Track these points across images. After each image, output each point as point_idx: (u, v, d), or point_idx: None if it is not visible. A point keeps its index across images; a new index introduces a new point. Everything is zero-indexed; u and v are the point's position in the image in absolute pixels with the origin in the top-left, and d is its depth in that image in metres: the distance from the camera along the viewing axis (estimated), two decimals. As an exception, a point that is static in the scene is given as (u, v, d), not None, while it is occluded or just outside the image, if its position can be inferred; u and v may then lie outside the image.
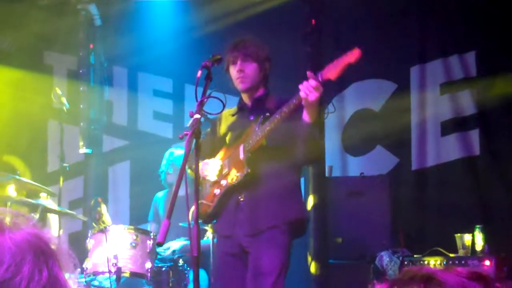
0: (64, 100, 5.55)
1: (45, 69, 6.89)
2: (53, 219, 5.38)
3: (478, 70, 5.71)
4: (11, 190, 4.95)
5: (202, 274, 5.04)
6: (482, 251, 4.81)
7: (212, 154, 3.95)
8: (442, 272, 1.18)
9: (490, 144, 5.64)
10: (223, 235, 3.88)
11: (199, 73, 3.24)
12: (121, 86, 6.81)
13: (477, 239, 4.85)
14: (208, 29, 6.17)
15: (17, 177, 5.05)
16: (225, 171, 3.84)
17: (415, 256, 4.91)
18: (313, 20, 5.78)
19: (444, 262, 4.72)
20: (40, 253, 1.17)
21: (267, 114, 3.69)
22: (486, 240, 4.84)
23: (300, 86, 3.47)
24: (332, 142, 5.83)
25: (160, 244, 2.89)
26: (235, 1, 6.18)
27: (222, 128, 4.00)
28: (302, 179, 4.09)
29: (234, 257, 3.80)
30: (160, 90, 6.72)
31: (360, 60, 5.25)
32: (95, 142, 6.57)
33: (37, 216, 4.57)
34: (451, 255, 4.81)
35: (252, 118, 3.83)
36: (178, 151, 5.56)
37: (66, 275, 1.22)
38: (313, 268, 5.43)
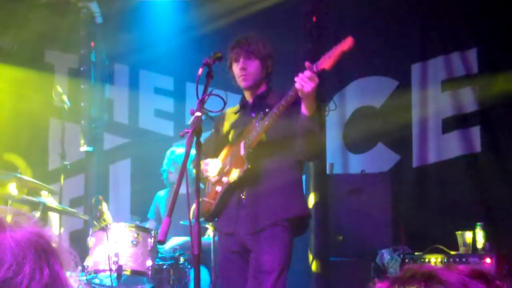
0: (65, 98, 5.55)
1: (46, 67, 6.89)
2: (54, 217, 5.38)
3: (480, 67, 5.71)
4: (12, 188, 4.95)
5: (203, 272, 5.04)
6: (483, 248, 4.82)
7: (216, 152, 3.95)
8: (443, 270, 1.18)
9: (491, 141, 5.64)
10: (225, 233, 3.89)
11: (200, 70, 3.24)
12: (122, 84, 6.81)
13: (478, 236, 4.85)
14: (209, 26, 6.17)
15: (18, 175, 5.05)
16: (226, 168, 3.84)
17: (416, 253, 4.92)
18: (314, 17, 5.78)
19: (445, 260, 4.72)
20: (41, 251, 1.17)
21: (267, 110, 3.69)
22: (487, 237, 4.84)
23: (296, 78, 3.46)
24: (333, 139, 5.83)
25: (161, 242, 2.88)
26: (235, -2, 6.18)
27: (225, 126, 4.00)
28: (303, 176, 4.09)
29: (236, 254, 3.80)
30: (161, 88, 6.72)
31: (361, 57, 5.26)
32: (96, 140, 6.57)
33: (38, 214, 4.56)
34: (452, 252, 4.81)
35: (253, 115, 3.83)
36: (180, 150, 5.56)
37: (68, 273, 1.22)
38: (314, 265, 5.43)
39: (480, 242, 4.84)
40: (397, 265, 4.82)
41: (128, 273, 4.48)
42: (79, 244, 5.08)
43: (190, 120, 3.13)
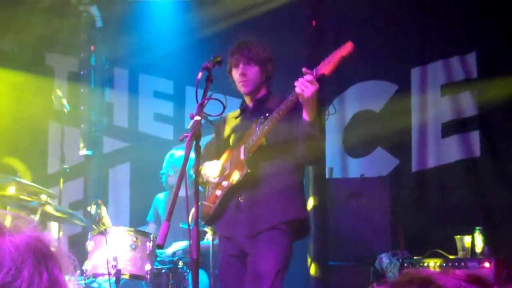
0: (64, 102, 5.56)
1: (46, 71, 6.89)
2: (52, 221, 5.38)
3: (479, 72, 5.72)
4: (11, 192, 4.94)
5: (202, 276, 5.04)
6: (482, 253, 4.82)
7: (217, 157, 3.96)
8: (440, 275, 1.18)
9: (491, 146, 5.64)
10: (223, 236, 3.89)
11: (200, 74, 3.24)
12: (122, 87, 6.81)
13: (477, 241, 4.85)
14: (209, 30, 6.18)
15: (18, 178, 5.05)
16: (226, 172, 3.85)
17: (415, 258, 4.92)
18: (314, 22, 5.78)
19: (444, 264, 4.72)
20: (40, 256, 1.17)
21: (267, 114, 3.70)
22: (486, 242, 4.84)
23: (296, 83, 3.47)
24: (332, 143, 5.83)
25: (160, 247, 2.88)
26: (235, 2, 6.19)
27: (226, 131, 4.01)
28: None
29: (234, 258, 3.80)
30: (160, 92, 6.72)
31: (360, 61, 5.26)
32: (95, 144, 6.57)
33: (37, 218, 4.56)
34: (451, 257, 4.81)
35: (253, 119, 3.84)
36: (179, 153, 5.57)
37: (67, 278, 1.22)
38: (313, 270, 5.43)
39: (479, 246, 4.84)
40: (396, 270, 4.82)
41: (126, 277, 4.48)
42: (78, 248, 5.09)
43: (189, 124, 3.14)
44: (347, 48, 3.42)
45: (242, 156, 3.75)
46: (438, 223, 5.58)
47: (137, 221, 5.81)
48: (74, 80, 6.71)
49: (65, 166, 5.54)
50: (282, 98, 3.68)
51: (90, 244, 4.58)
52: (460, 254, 4.83)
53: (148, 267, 4.52)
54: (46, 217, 4.90)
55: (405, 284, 1.18)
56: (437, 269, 4.25)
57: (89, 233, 4.68)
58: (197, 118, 3.11)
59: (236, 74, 3.83)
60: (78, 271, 4.39)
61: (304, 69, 3.47)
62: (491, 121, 5.67)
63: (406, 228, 5.41)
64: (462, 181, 5.64)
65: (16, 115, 6.70)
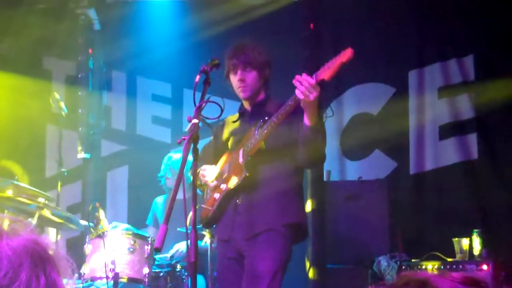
0: (62, 105, 5.55)
1: (43, 74, 6.89)
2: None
3: (476, 74, 5.72)
4: (9, 195, 4.93)
5: (200, 279, 5.04)
6: (479, 255, 4.82)
7: (215, 160, 3.96)
8: (436, 277, 1.18)
9: (488, 148, 5.65)
10: (221, 239, 3.89)
11: (197, 77, 3.24)
12: (120, 91, 6.81)
13: (474, 243, 4.85)
14: (207, 33, 6.18)
15: (15, 182, 5.04)
16: (225, 175, 3.85)
17: (413, 260, 4.92)
18: (311, 24, 5.79)
19: (442, 267, 4.72)
20: (37, 259, 1.17)
21: (266, 118, 3.70)
22: (484, 244, 4.84)
23: (296, 83, 3.46)
24: (330, 146, 5.80)
25: (158, 250, 2.88)
26: (233, 5, 6.19)
27: (225, 134, 4.01)
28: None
29: (232, 261, 3.80)
30: (158, 95, 6.72)
31: (358, 64, 5.26)
32: (93, 147, 6.57)
33: (34, 221, 4.56)
34: (449, 259, 4.81)
35: (252, 123, 3.84)
36: (176, 155, 5.56)
37: (64, 281, 1.22)
38: (311, 272, 5.43)
39: (477, 249, 4.84)
40: (394, 272, 4.82)
41: (124, 280, 4.47)
42: (75, 251, 5.08)
43: (187, 127, 3.14)
44: (347, 54, 3.43)
45: (240, 160, 3.76)
46: (436, 226, 5.58)
47: (135, 224, 5.78)
48: (72, 83, 6.71)
49: (63, 169, 5.53)
50: (281, 102, 3.68)
51: (88, 248, 4.57)
52: (458, 256, 4.84)
53: (146, 270, 4.52)
54: (44, 221, 4.89)
55: (402, 286, 1.19)
56: (435, 272, 4.26)
57: (87, 236, 4.68)
58: (195, 121, 3.12)
59: (234, 79, 3.84)
60: (76, 275, 4.38)
61: (303, 75, 3.46)
62: (489, 124, 5.68)
63: (404, 231, 5.41)
64: (460, 183, 5.65)
65: (14, 118, 6.70)
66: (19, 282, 1.14)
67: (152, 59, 6.52)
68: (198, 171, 3.84)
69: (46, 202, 4.75)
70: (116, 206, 6.63)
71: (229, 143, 3.96)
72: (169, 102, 6.69)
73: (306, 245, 5.33)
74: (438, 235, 5.41)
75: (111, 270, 4.39)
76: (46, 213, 4.69)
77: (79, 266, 4.49)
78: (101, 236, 4.49)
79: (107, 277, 4.37)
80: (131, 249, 4.52)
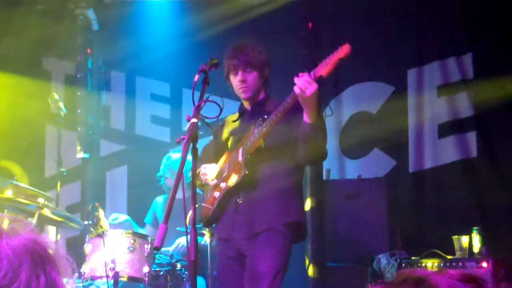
0: (61, 105, 5.56)
1: (42, 75, 6.89)
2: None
3: (475, 72, 5.72)
4: (8, 195, 4.94)
5: (199, 280, 5.04)
6: (479, 253, 4.82)
7: (215, 159, 3.96)
8: (434, 275, 1.19)
9: (487, 146, 5.65)
10: (222, 238, 3.89)
11: (196, 77, 3.24)
12: (119, 90, 6.81)
13: (474, 241, 4.86)
14: (205, 33, 6.18)
15: (15, 182, 5.04)
16: (225, 174, 3.85)
17: (412, 258, 4.92)
18: (310, 24, 5.79)
19: (442, 264, 4.73)
20: (37, 258, 1.17)
21: (266, 116, 3.70)
22: (484, 242, 4.85)
23: (295, 79, 3.46)
24: (329, 145, 5.77)
25: (157, 249, 2.89)
26: (232, 5, 6.19)
27: (224, 134, 4.01)
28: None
29: (233, 260, 3.81)
30: (157, 95, 6.72)
31: (357, 63, 5.26)
32: (92, 147, 6.57)
33: (34, 221, 4.56)
34: (449, 257, 4.81)
35: (252, 122, 3.84)
36: (176, 155, 5.57)
37: (64, 280, 1.23)
38: (310, 271, 5.43)
39: (477, 246, 4.84)
40: (393, 270, 4.82)
41: (125, 279, 4.48)
42: (75, 250, 5.08)
43: (186, 126, 3.14)
44: (344, 50, 3.43)
45: (240, 158, 3.76)
46: (436, 224, 5.58)
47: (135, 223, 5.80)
48: (70, 83, 6.71)
49: (62, 169, 5.54)
50: (280, 101, 3.68)
51: (88, 247, 4.58)
52: (458, 254, 4.84)
53: (146, 269, 4.52)
54: (43, 220, 4.90)
55: (400, 284, 1.19)
56: (435, 269, 4.26)
57: (87, 236, 4.69)
58: (194, 120, 3.12)
59: (234, 80, 3.83)
60: (76, 274, 4.39)
61: (301, 73, 3.47)
62: (488, 122, 5.68)
63: (404, 229, 5.41)
64: (459, 181, 5.65)
65: (13, 118, 6.70)
66: (19, 282, 1.14)
67: (151, 59, 6.52)
68: (198, 170, 3.85)
69: (46, 202, 4.75)
70: (115, 205, 6.63)
71: (229, 143, 3.96)
72: (168, 102, 6.69)
73: (306, 243, 5.33)
74: (437, 233, 5.41)
75: (111, 269, 4.40)
76: (46, 212, 4.69)
77: (79, 266, 4.50)
78: (101, 235, 4.50)
79: (107, 276, 4.38)
80: (131, 248, 4.52)
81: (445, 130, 5.77)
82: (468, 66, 5.76)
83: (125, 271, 4.47)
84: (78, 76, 6.60)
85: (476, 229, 4.87)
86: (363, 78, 6.08)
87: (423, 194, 5.79)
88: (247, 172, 3.70)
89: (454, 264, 4.70)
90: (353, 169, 5.93)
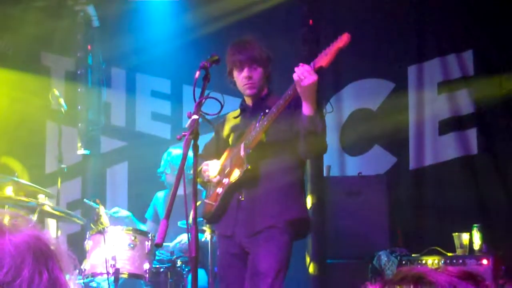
0: (62, 101, 5.55)
1: (42, 71, 6.88)
2: (51, 220, 5.38)
3: (476, 69, 5.73)
4: (9, 192, 4.94)
5: (201, 273, 5.04)
6: (480, 250, 4.83)
7: (217, 156, 3.95)
8: (432, 272, 1.19)
9: (488, 143, 5.65)
10: (224, 235, 3.87)
11: (197, 73, 3.24)
12: (119, 87, 6.80)
13: (474, 238, 4.86)
14: (206, 30, 6.17)
15: (15, 178, 5.04)
16: (227, 170, 3.83)
17: (413, 255, 4.92)
18: (310, 20, 5.78)
19: (442, 261, 4.73)
20: (40, 255, 1.17)
21: (267, 111, 3.69)
22: (484, 239, 4.85)
23: (295, 68, 3.46)
24: (330, 141, 5.78)
25: (158, 245, 2.88)
26: (232, 1, 6.18)
27: (226, 130, 4.00)
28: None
29: (235, 257, 3.79)
30: (158, 91, 6.72)
31: (357, 59, 5.26)
32: (93, 143, 6.56)
33: (35, 218, 4.56)
34: (449, 254, 4.82)
35: (253, 118, 3.82)
36: (176, 151, 5.57)
37: (67, 277, 1.23)
38: (311, 268, 5.43)
39: (477, 243, 4.85)
40: (394, 267, 4.83)
41: (125, 276, 4.48)
42: (76, 247, 5.08)
43: (187, 123, 3.13)
44: (343, 39, 3.43)
45: (242, 153, 3.74)
46: (436, 221, 5.59)
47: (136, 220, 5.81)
48: (71, 79, 6.70)
49: (62, 166, 5.53)
50: (282, 96, 3.67)
51: (88, 244, 4.58)
52: (458, 251, 4.84)
53: (146, 266, 4.53)
54: (44, 217, 4.90)
55: (398, 281, 1.19)
56: (435, 266, 4.25)
57: (88, 232, 4.69)
58: (195, 117, 3.11)
59: (239, 76, 3.80)
60: (77, 271, 4.39)
61: (301, 64, 3.47)
62: (488, 119, 5.69)
63: (404, 226, 5.42)
64: (460, 178, 5.66)
65: (13, 115, 6.69)
66: (21, 279, 1.14)
67: (152, 56, 6.51)
68: (200, 167, 3.84)
69: (46, 198, 4.75)
70: (116, 202, 6.62)
71: (230, 139, 3.95)
72: (168, 98, 6.69)
73: (306, 240, 5.33)
74: (438, 230, 5.42)
75: (112, 266, 4.40)
76: (47, 208, 4.69)
77: (80, 262, 4.50)
78: (101, 232, 4.50)
79: (107, 273, 4.38)
80: (132, 245, 4.52)
81: (445, 127, 5.78)
82: (469, 63, 5.76)
83: (125, 267, 4.48)
84: (79, 72, 6.60)
85: (476, 226, 4.88)
86: (364, 75, 6.08)
87: (423, 191, 5.79)
88: (249, 167, 3.68)
89: (454, 261, 4.71)
90: (354, 166, 5.94)
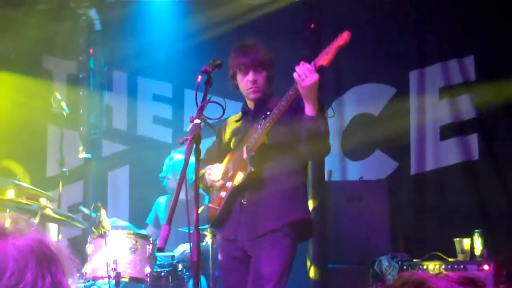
0: (63, 105, 5.56)
1: (44, 74, 6.88)
2: (52, 224, 5.38)
3: (477, 75, 5.73)
4: (10, 195, 4.94)
5: (201, 279, 5.04)
6: (481, 255, 4.82)
7: (219, 161, 3.93)
8: (433, 277, 1.19)
9: (489, 149, 5.66)
10: (227, 239, 3.86)
11: (199, 78, 3.24)
12: (121, 91, 6.81)
13: (476, 243, 4.86)
14: (208, 34, 6.18)
15: (17, 182, 5.05)
16: (230, 173, 3.82)
17: (414, 260, 4.92)
18: (312, 24, 5.79)
19: (443, 267, 4.72)
20: (43, 258, 1.17)
21: (268, 113, 3.68)
22: (485, 244, 4.85)
23: (296, 68, 3.45)
24: (331, 146, 5.82)
25: (160, 250, 2.88)
26: (234, 5, 6.19)
27: (227, 134, 3.99)
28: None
29: (237, 260, 3.78)
30: (159, 95, 6.72)
31: (359, 64, 5.26)
32: (94, 147, 6.57)
33: (36, 221, 4.56)
34: (450, 259, 4.81)
35: (254, 120, 3.82)
36: (178, 156, 5.56)
37: (69, 280, 1.23)
38: (312, 272, 5.43)
39: (478, 249, 4.84)
40: (395, 272, 4.82)
41: (126, 280, 4.48)
42: (77, 251, 5.07)
43: (188, 127, 3.13)
44: (344, 37, 3.43)
45: (244, 155, 3.72)
46: (437, 226, 5.59)
47: (136, 224, 5.80)
48: (73, 83, 6.71)
49: (64, 169, 5.54)
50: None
51: (89, 247, 4.58)
52: (459, 256, 4.84)
53: (147, 270, 4.52)
54: (45, 220, 4.90)
55: (400, 287, 1.19)
56: (436, 272, 4.26)
57: (89, 236, 4.69)
58: (197, 121, 3.11)
59: (243, 79, 3.78)
60: (78, 274, 4.39)
61: (302, 63, 3.46)
62: (490, 124, 5.69)
63: (405, 231, 5.41)
64: (461, 183, 5.66)
65: (15, 118, 6.70)
66: (24, 283, 1.14)
67: (153, 59, 6.52)
68: (202, 171, 3.83)
69: (48, 202, 4.75)
70: (117, 206, 6.64)
71: (232, 143, 3.94)
72: (170, 102, 6.69)
73: (307, 245, 5.33)
74: (439, 235, 5.42)
75: (113, 269, 4.40)
76: (49, 211, 4.69)
77: (81, 266, 4.50)
78: (102, 235, 4.50)
79: (109, 277, 4.38)
80: (133, 249, 4.52)
81: (447, 132, 5.78)
82: (470, 68, 5.77)
83: (126, 271, 4.47)
84: (81, 76, 6.60)
85: (477, 232, 4.87)
86: (365, 80, 6.09)
87: (424, 196, 5.79)
88: (253, 169, 3.65)
89: (455, 266, 4.70)
90: (355, 170, 5.93)
